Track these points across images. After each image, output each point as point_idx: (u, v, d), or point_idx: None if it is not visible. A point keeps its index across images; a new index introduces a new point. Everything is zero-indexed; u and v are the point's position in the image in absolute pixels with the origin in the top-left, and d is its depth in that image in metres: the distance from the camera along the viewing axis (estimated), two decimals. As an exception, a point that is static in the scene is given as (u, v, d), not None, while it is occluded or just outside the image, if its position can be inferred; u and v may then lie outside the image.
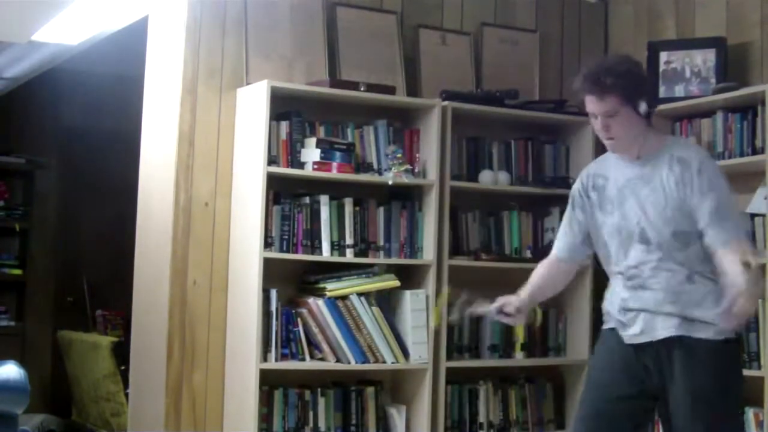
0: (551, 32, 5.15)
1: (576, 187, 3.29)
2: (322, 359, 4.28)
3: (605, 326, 3.24)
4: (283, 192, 4.26)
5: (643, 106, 3.04)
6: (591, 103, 3.05)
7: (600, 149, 5.03)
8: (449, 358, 4.47)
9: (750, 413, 4.08)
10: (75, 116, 6.99)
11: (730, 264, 2.82)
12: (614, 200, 3.13)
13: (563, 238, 3.32)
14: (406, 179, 4.36)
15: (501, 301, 3.24)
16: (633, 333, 3.08)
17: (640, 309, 3.07)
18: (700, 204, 2.97)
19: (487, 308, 3.24)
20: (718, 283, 2.96)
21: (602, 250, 3.22)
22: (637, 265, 3.08)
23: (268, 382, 4.19)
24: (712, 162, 3.10)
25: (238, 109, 4.36)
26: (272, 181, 4.15)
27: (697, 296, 3.00)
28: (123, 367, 5.37)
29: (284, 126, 4.26)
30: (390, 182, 4.36)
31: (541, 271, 3.35)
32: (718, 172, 3.05)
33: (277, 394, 4.24)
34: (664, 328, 3.02)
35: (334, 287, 4.30)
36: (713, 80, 4.46)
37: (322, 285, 4.31)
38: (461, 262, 4.58)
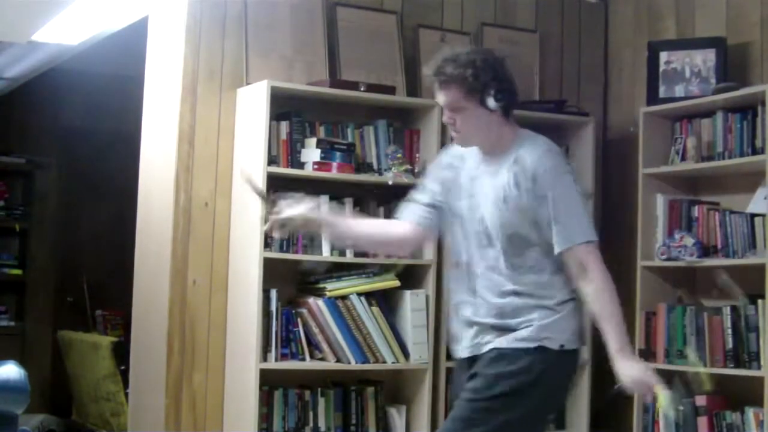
0: (551, 32, 5.15)
1: (435, 161, 3.14)
2: (322, 359, 4.28)
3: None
4: (283, 192, 4.25)
5: (490, 101, 2.84)
6: (436, 94, 2.90)
7: (601, 149, 5.07)
8: (449, 358, 4.46)
9: (750, 413, 4.08)
10: (75, 116, 6.99)
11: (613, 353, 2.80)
12: (464, 189, 2.96)
13: (411, 205, 3.09)
14: (406, 179, 4.36)
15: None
16: (464, 346, 2.94)
17: (472, 321, 2.92)
18: (539, 208, 2.81)
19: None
20: (548, 309, 2.84)
21: (449, 237, 3.06)
22: (472, 263, 2.92)
23: (268, 382, 4.19)
24: (552, 161, 2.87)
25: (238, 109, 4.36)
26: (272, 181, 4.15)
27: (516, 309, 2.84)
28: (123, 367, 5.37)
29: (284, 126, 4.26)
30: (390, 182, 4.36)
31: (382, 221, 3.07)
32: (559, 171, 2.85)
33: (277, 394, 4.24)
34: (487, 343, 2.87)
35: (334, 287, 4.30)
36: (713, 80, 4.46)
37: (322, 285, 4.31)
38: (461, 262, 4.57)
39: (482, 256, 2.90)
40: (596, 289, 2.80)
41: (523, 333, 2.83)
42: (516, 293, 2.86)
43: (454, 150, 3.04)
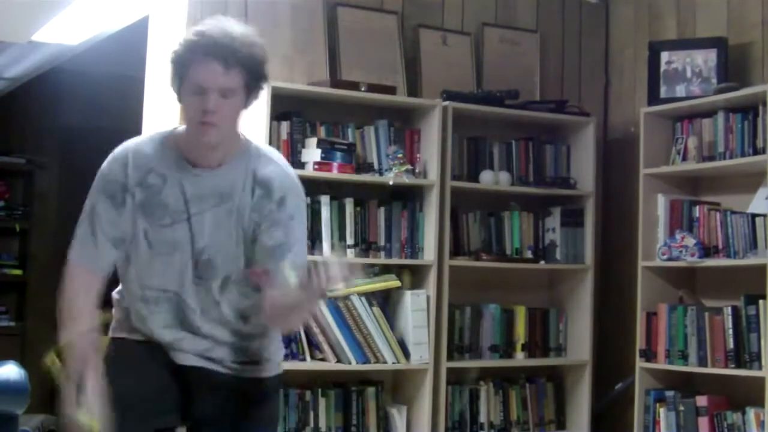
0: (552, 32, 5.14)
1: (111, 173, 2.58)
2: (322, 359, 4.28)
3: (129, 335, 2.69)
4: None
5: (253, 100, 2.47)
6: (211, 73, 2.38)
7: (601, 149, 5.07)
8: (450, 358, 4.47)
9: (751, 413, 4.07)
10: (75, 116, 6.99)
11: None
12: (175, 211, 2.47)
13: (91, 243, 2.62)
14: (406, 179, 4.36)
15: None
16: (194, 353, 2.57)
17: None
18: (274, 233, 2.46)
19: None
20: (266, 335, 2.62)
21: (132, 265, 2.56)
22: (193, 303, 2.52)
23: (269, 382, 4.18)
24: (297, 186, 2.58)
25: (238, 109, 4.35)
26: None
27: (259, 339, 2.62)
28: (123, 368, 5.36)
29: (285, 126, 4.25)
30: (391, 182, 4.36)
31: (81, 289, 2.69)
32: (303, 199, 2.59)
33: (278, 395, 4.24)
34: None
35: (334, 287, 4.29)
36: (714, 80, 4.46)
37: (322, 285, 4.30)
38: (462, 262, 4.57)
39: (201, 294, 2.51)
40: None
41: None
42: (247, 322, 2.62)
43: (142, 161, 2.53)
